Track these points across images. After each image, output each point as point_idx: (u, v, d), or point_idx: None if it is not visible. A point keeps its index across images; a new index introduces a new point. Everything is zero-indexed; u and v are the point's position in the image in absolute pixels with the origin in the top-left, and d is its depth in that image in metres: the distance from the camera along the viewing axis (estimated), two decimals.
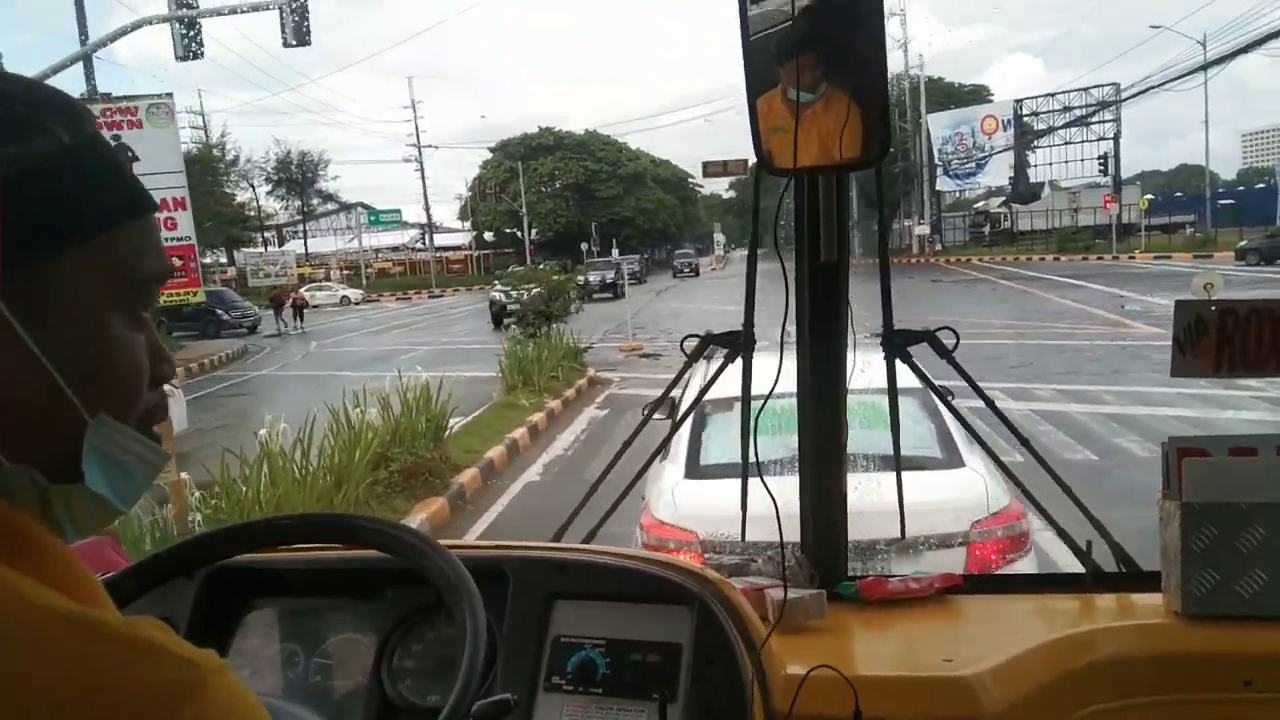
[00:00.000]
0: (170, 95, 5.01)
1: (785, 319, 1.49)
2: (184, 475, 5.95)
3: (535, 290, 17.71)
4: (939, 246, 53.04)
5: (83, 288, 0.62)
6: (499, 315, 23.92)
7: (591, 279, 31.81)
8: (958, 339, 1.65)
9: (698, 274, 50.36)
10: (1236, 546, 1.41)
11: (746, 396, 1.70)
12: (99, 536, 1.72)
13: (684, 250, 61.41)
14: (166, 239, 4.90)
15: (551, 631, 1.33)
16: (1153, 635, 1.43)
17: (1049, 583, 1.76)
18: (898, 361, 1.68)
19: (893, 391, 1.69)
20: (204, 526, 5.80)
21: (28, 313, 0.59)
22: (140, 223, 0.67)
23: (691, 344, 1.77)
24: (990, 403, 1.80)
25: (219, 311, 29.49)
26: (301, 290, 37.33)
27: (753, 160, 1.47)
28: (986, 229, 58.93)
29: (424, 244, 65.69)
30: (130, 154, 4.69)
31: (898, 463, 1.76)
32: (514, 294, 21.53)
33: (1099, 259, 40.61)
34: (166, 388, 0.73)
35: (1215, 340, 1.53)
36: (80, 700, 0.52)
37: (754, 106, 1.40)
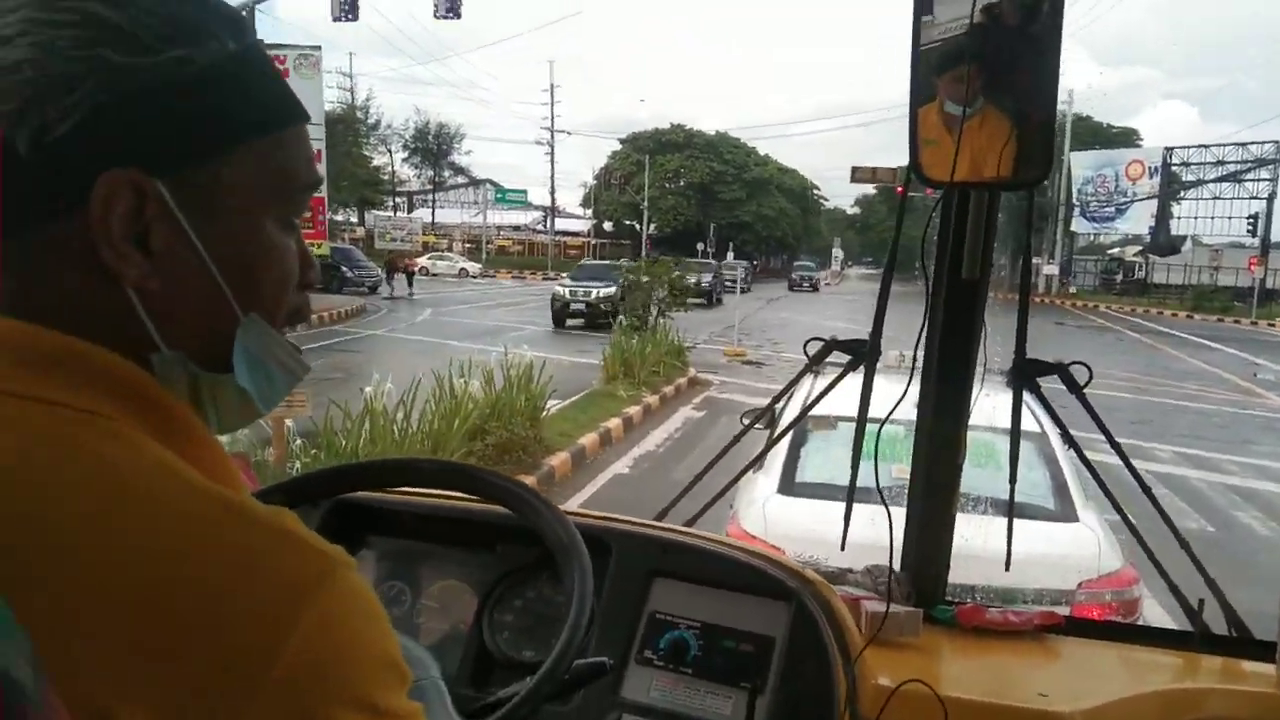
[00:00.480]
0: (318, 48, 5.16)
1: (921, 333, 1.48)
2: (288, 422, 6.17)
3: (644, 281, 17.79)
4: (1072, 289, 51.19)
5: (242, 190, 0.65)
6: (560, 314, 23.22)
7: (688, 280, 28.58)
8: (1090, 375, 1.61)
9: (816, 289, 48.13)
10: None
11: (864, 405, 1.69)
12: (234, 458, 1.82)
13: (803, 262, 59.19)
14: None
15: (649, 607, 1.36)
16: (1261, 703, 1.38)
17: (1154, 636, 1.71)
18: (1026, 394, 1.65)
19: (1016, 421, 1.66)
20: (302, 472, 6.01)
21: (193, 210, 0.63)
22: (294, 131, 0.69)
23: (815, 347, 1.77)
24: (1115, 444, 1.75)
25: (344, 268, 30.36)
26: (418, 259, 38.15)
27: (901, 172, 1.46)
28: (1119, 276, 56.62)
29: (545, 227, 66.77)
30: None
31: (1011, 501, 1.73)
32: (579, 292, 22.95)
33: (1236, 322, 38.62)
34: None
35: None
36: (231, 579, 0.56)
37: (914, 116, 1.40)
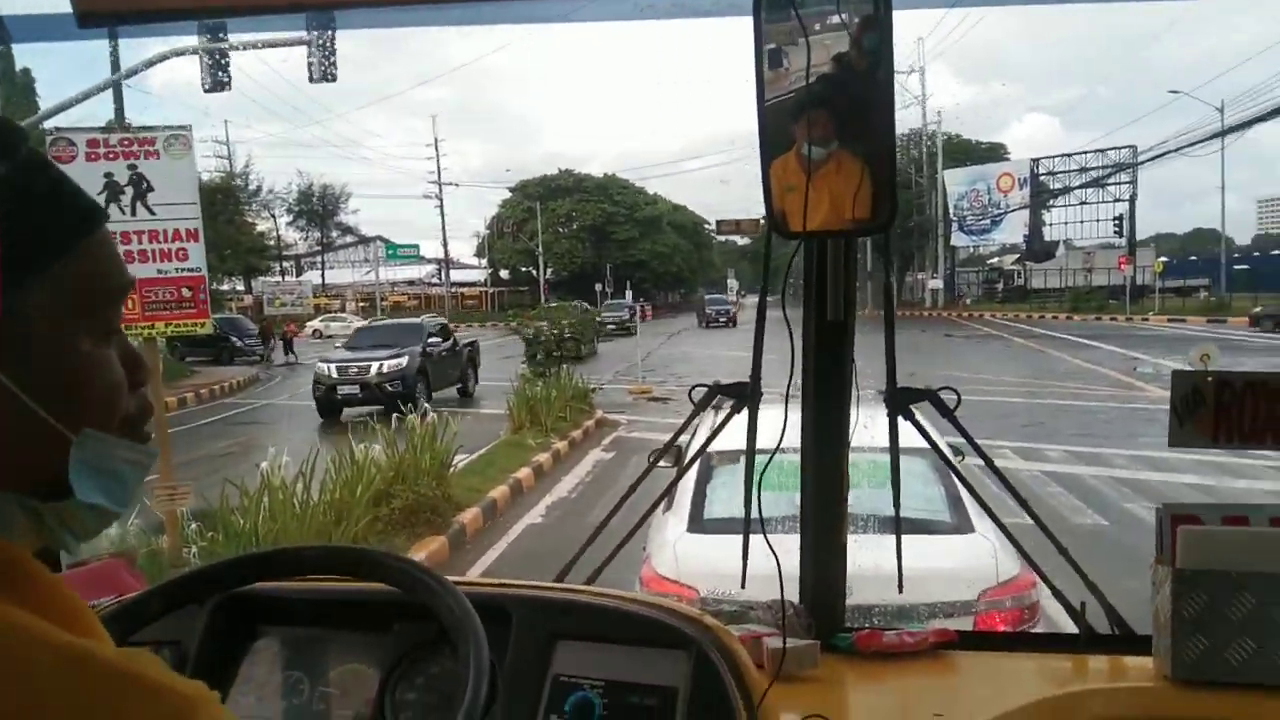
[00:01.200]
0: (188, 128, 5.06)
1: (791, 376, 1.53)
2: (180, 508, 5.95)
3: (566, 323, 17.89)
4: (968, 300, 52.92)
5: (46, 315, 0.62)
6: (327, 401, 17.51)
7: (607, 316, 30.23)
8: (959, 398, 1.69)
9: (734, 324, 42.75)
10: (1227, 614, 1.44)
11: (751, 447, 1.73)
12: (114, 559, 1.76)
13: (716, 296, 52.51)
14: (177, 269, 4.95)
15: (552, 671, 1.36)
16: (1142, 698, 1.46)
17: (1043, 642, 1.78)
18: (901, 420, 1.72)
19: (894, 448, 1.72)
20: (199, 559, 5.81)
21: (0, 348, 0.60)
22: (96, 238, 0.66)
23: (700, 393, 1.81)
24: (990, 463, 1.83)
25: (233, 338, 29.75)
26: (308, 322, 37.20)
27: (762, 219, 1.52)
28: (1000, 285, 59.02)
29: (440, 279, 66.16)
30: (146, 184, 4.77)
31: (897, 522, 1.79)
32: (352, 369, 17.79)
33: (1112, 319, 40.60)
34: None
35: (1212, 411, 1.57)
36: None
37: (767, 169, 1.45)
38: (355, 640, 1.47)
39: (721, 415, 1.94)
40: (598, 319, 21.65)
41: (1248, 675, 1.42)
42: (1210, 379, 1.56)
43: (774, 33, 1.53)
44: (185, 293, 4.87)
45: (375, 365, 16.73)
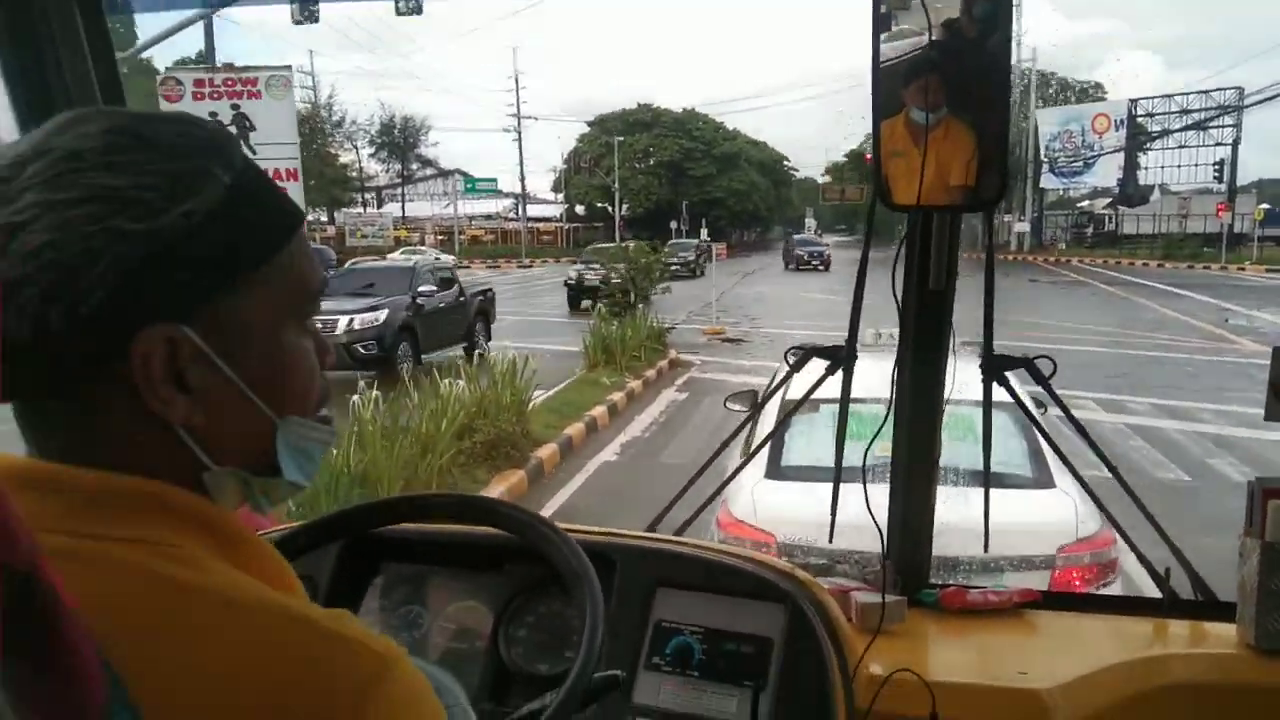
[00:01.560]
0: (289, 68, 5.21)
1: (900, 341, 1.57)
2: None
3: (623, 269, 17.82)
4: (1061, 245, 51.28)
5: (261, 312, 0.70)
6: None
7: (671, 258, 26.42)
8: (1055, 367, 1.71)
9: (828, 268, 39.71)
10: None
11: (844, 409, 1.79)
12: None
13: (804, 236, 47.83)
14: None
15: (653, 616, 1.45)
16: (1225, 665, 1.49)
17: (1125, 605, 1.82)
18: (995, 385, 1.75)
19: (987, 416, 1.76)
20: None
21: (221, 344, 0.68)
22: (297, 237, 0.74)
23: (795, 356, 1.86)
24: (1081, 429, 1.85)
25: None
26: (388, 254, 37.02)
27: (867, 189, 1.55)
28: (1090, 230, 57.12)
29: (517, 214, 66.54)
30: (248, 123, 4.92)
31: (986, 483, 1.83)
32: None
33: (1205, 268, 39.11)
34: None
35: None
36: (296, 683, 0.63)
37: (878, 133, 1.48)
38: (469, 579, 1.58)
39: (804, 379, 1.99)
40: (661, 260, 20.01)
41: None
42: None
43: None
44: None
45: (344, 320, 12.88)
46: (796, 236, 48.89)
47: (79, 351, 0.65)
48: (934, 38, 1.47)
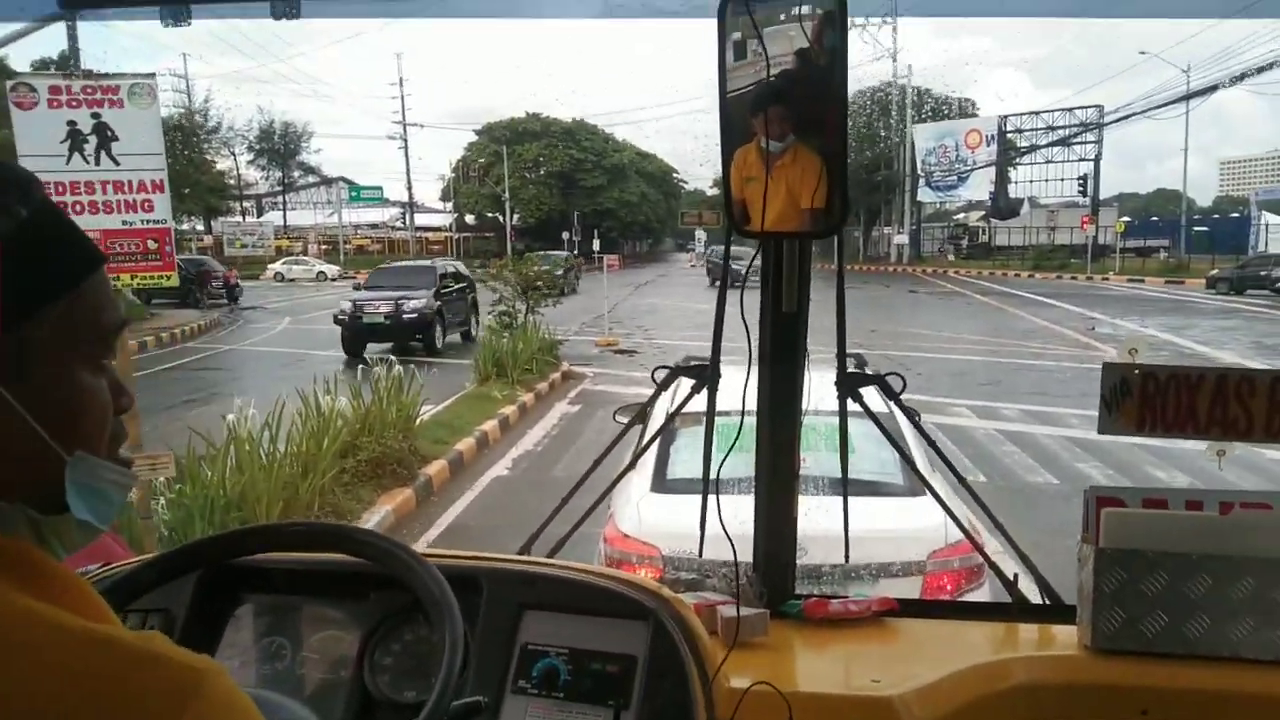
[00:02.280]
0: (153, 75, 4.99)
1: (750, 359, 1.61)
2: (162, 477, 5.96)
3: (513, 279, 17.68)
4: (951, 256, 52.86)
5: (50, 346, 0.70)
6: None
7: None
8: (904, 384, 1.78)
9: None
10: (1142, 590, 1.56)
11: (710, 426, 1.83)
12: None
13: (709, 250, 42.66)
14: (143, 221, 4.92)
15: (520, 639, 1.45)
16: (1064, 666, 1.58)
17: (978, 610, 1.91)
18: (850, 401, 1.82)
19: (843, 431, 1.82)
20: (168, 511, 5.85)
21: (6, 375, 0.68)
22: (95, 277, 0.74)
23: (661, 374, 1.90)
24: (933, 444, 1.93)
25: (195, 285, 28.77)
26: (270, 265, 35.27)
27: (721, 213, 1.59)
28: (965, 241, 59.49)
29: (404, 223, 65.48)
30: (110, 133, 4.71)
31: (845, 496, 1.89)
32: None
33: (1073, 278, 41.20)
34: None
35: (1138, 402, 1.68)
36: (97, 707, 0.62)
37: (727, 161, 1.52)
38: (333, 608, 1.55)
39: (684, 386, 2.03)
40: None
41: (1159, 646, 1.55)
42: (1137, 371, 1.67)
43: (737, 26, 1.58)
44: (151, 245, 4.85)
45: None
46: (711, 251, 47.10)
47: None
48: (782, 67, 1.52)
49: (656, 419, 4.00)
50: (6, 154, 4.79)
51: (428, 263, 23.93)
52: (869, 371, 1.94)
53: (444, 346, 18.61)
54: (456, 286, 20.33)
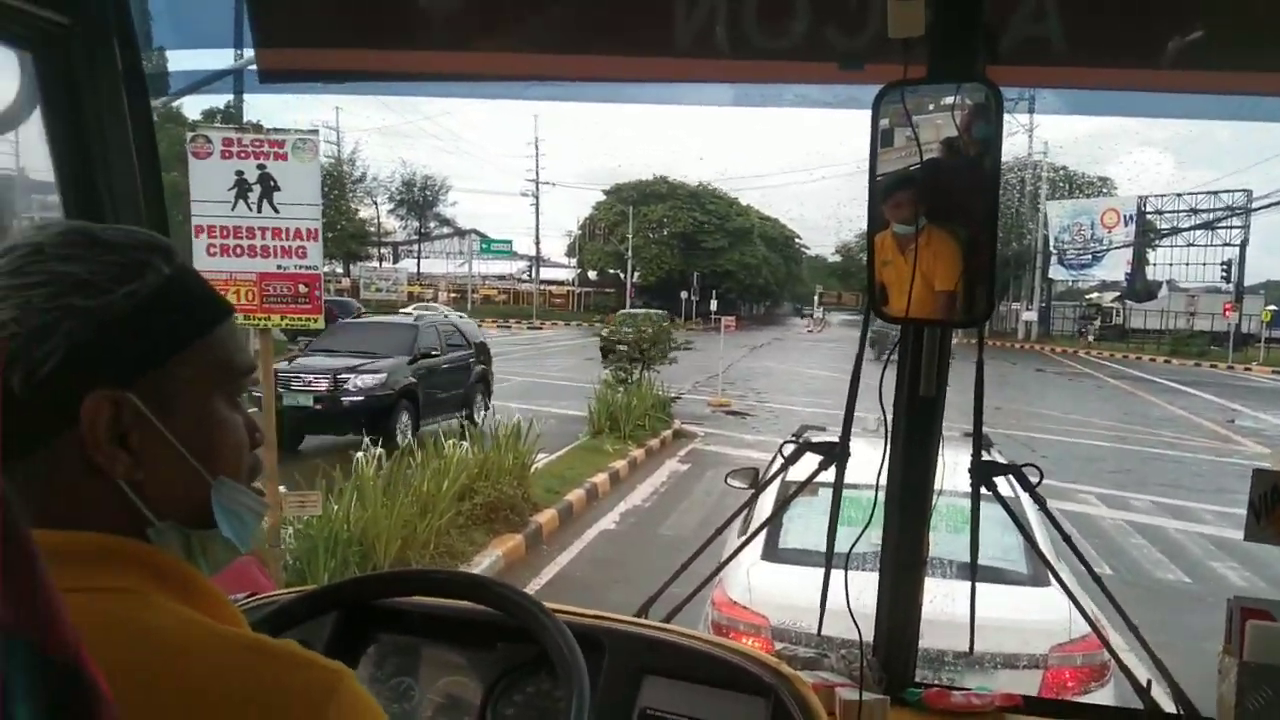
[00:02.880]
0: (316, 132, 5.39)
1: (886, 442, 1.62)
2: (281, 488, 6.26)
3: (631, 336, 17.89)
4: (1091, 337, 51.05)
5: (194, 382, 0.82)
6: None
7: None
8: (1041, 475, 1.75)
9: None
10: None
11: (836, 502, 1.83)
12: (248, 557, 1.94)
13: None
14: (296, 266, 5.23)
15: (640, 703, 1.48)
16: None
17: (1107, 714, 1.84)
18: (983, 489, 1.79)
19: (975, 519, 1.79)
20: (294, 541, 6.10)
21: (159, 407, 0.80)
22: (226, 325, 0.86)
23: (789, 449, 1.91)
24: (1068, 539, 1.89)
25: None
26: (405, 308, 35.73)
27: (862, 297, 1.61)
28: (1098, 322, 57.31)
29: (530, 275, 67.15)
30: (273, 183, 5.04)
31: (973, 582, 1.86)
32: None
33: (1213, 366, 39.12)
34: None
35: None
36: (258, 704, 0.71)
37: (872, 244, 1.55)
38: (461, 654, 1.61)
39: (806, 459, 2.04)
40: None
41: None
42: None
43: (889, 113, 1.62)
44: (302, 289, 5.14)
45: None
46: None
47: (37, 413, 0.75)
48: (928, 156, 1.55)
49: (772, 486, 3.99)
50: (175, 196, 5.18)
51: (408, 320, 16.14)
52: (1000, 457, 1.90)
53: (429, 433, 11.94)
54: (454, 356, 14.67)
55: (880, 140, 1.62)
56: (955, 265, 1.52)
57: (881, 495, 1.77)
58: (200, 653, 0.72)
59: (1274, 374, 35.88)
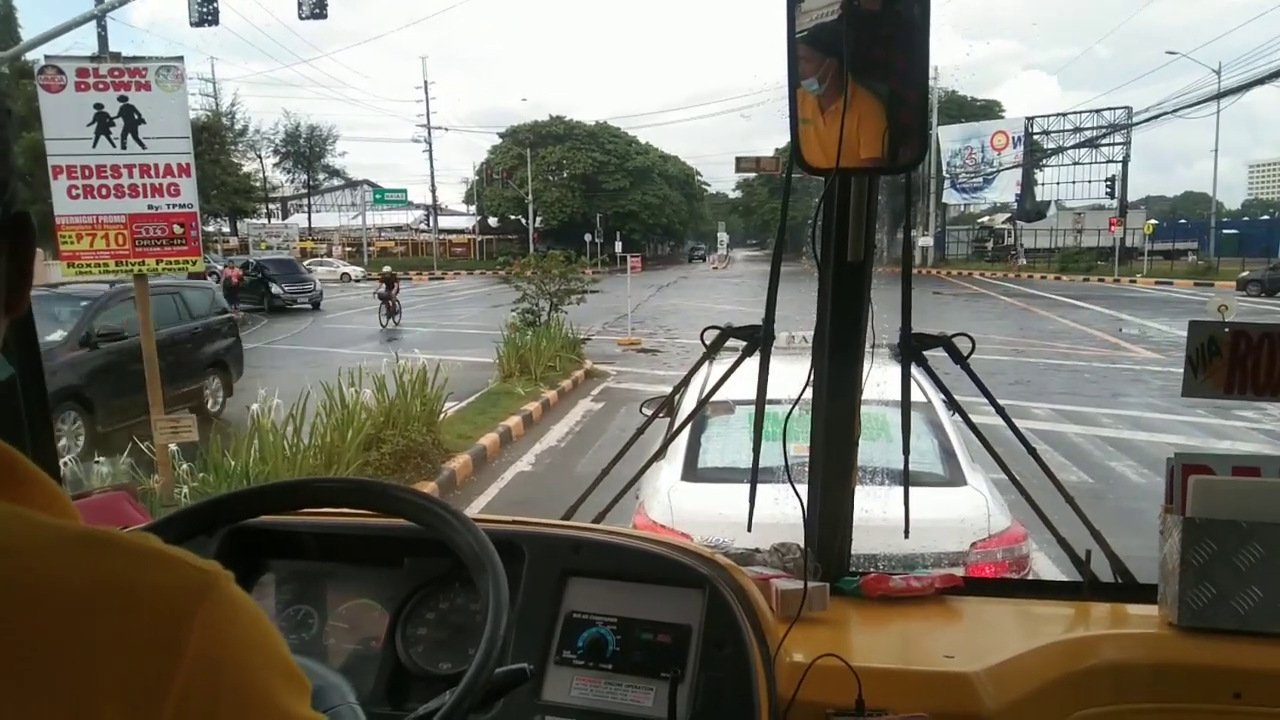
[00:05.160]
0: (180, 59, 4.93)
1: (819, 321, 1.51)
2: (172, 446, 5.93)
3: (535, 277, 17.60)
4: (1022, 260, 52.41)
5: None
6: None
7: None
8: (974, 345, 1.68)
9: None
10: (1235, 563, 1.44)
11: (762, 389, 1.72)
12: (117, 491, 1.74)
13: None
14: (169, 205, 4.87)
15: (564, 607, 1.36)
16: (1149, 644, 1.47)
17: (1047, 589, 1.80)
18: (913, 367, 1.71)
19: (906, 395, 1.71)
20: (191, 499, 5.80)
21: None
22: None
23: (711, 335, 1.80)
24: (1001, 410, 1.83)
25: (273, 285, 26.97)
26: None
27: (783, 159, 1.49)
28: (990, 244, 58.98)
29: (428, 225, 65.66)
30: (136, 116, 4.66)
31: (906, 466, 1.79)
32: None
33: (1100, 280, 40.72)
34: None
35: (1227, 362, 1.56)
36: (108, 604, 0.54)
37: (794, 101, 1.42)
38: (365, 575, 1.46)
39: (716, 370, 1.93)
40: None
41: (1254, 624, 1.43)
42: (1227, 330, 1.55)
43: None
44: (177, 229, 4.80)
45: None
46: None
47: None
48: (843, 6, 1.42)
49: (688, 407, 3.91)
50: (40, 157, 4.76)
51: (80, 291, 9.53)
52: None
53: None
54: (171, 332, 10.43)
55: None
56: (880, 122, 1.40)
57: (803, 409, 1.68)
58: (20, 547, 0.55)
59: (1158, 285, 37.57)
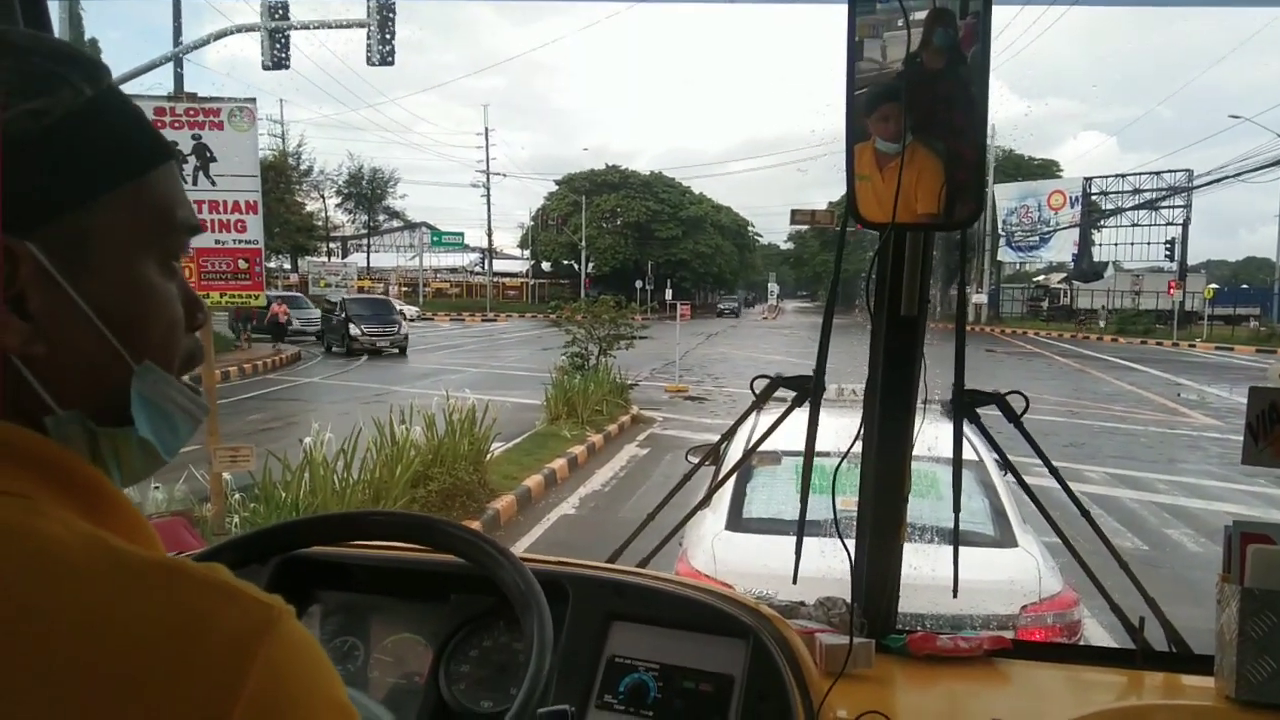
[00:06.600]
0: (253, 100, 5.11)
1: (872, 373, 1.52)
2: (226, 476, 6.04)
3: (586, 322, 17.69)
4: (1102, 323, 51.89)
5: (116, 237, 0.64)
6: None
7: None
8: (1027, 404, 1.66)
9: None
10: None
11: (811, 439, 1.72)
12: (176, 517, 1.78)
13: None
14: (235, 241, 5.03)
15: (607, 651, 1.36)
16: (1205, 717, 1.43)
17: (1099, 656, 1.75)
18: (965, 423, 1.70)
19: (958, 450, 1.70)
20: (240, 529, 5.89)
21: (68, 265, 0.61)
22: (164, 170, 0.68)
23: (761, 384, 1.80)
24: (1055, 471, 1.80)
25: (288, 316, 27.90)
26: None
27: (837, 212, 1.50)
28: (1045, 303, 58.21)
29: (482, 268, 66.53)
30: (209, 154, 4.83)
31: (956, 524, 1.77)
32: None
33: (1158, 344, 39.88)
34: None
35: None
36: (173, 639, 0.54)
37: (851, 157, 1.44)
38: (411, 609, 1.48)
39: (764, 420, 1.93)
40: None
41: None
42: None
43: (865, 23, 1.51)
44: (241, 264, 4.95)
45: None
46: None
47: None
48: (915, 63, 1.44)
49: (735, 452, 3.90)
50: None
51: None
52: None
53: None
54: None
55: (854, 52, 1.52)
56: (938, 180, 1.42)
57: (851, 462, 1.67)
58: (100, 574, 0.56)
59: (1217, 350, 36.70)
